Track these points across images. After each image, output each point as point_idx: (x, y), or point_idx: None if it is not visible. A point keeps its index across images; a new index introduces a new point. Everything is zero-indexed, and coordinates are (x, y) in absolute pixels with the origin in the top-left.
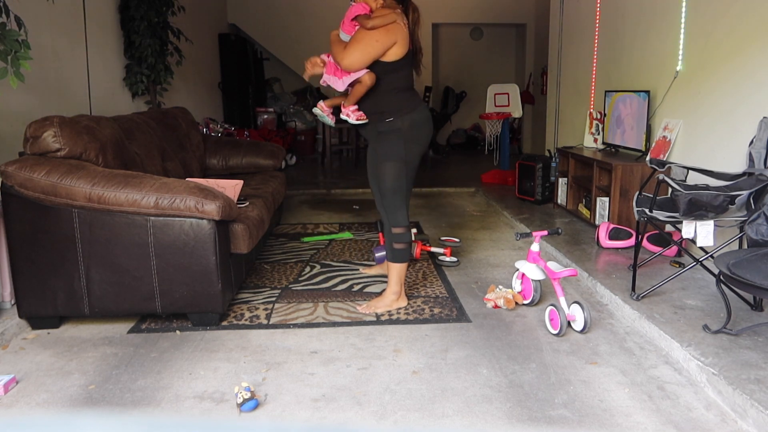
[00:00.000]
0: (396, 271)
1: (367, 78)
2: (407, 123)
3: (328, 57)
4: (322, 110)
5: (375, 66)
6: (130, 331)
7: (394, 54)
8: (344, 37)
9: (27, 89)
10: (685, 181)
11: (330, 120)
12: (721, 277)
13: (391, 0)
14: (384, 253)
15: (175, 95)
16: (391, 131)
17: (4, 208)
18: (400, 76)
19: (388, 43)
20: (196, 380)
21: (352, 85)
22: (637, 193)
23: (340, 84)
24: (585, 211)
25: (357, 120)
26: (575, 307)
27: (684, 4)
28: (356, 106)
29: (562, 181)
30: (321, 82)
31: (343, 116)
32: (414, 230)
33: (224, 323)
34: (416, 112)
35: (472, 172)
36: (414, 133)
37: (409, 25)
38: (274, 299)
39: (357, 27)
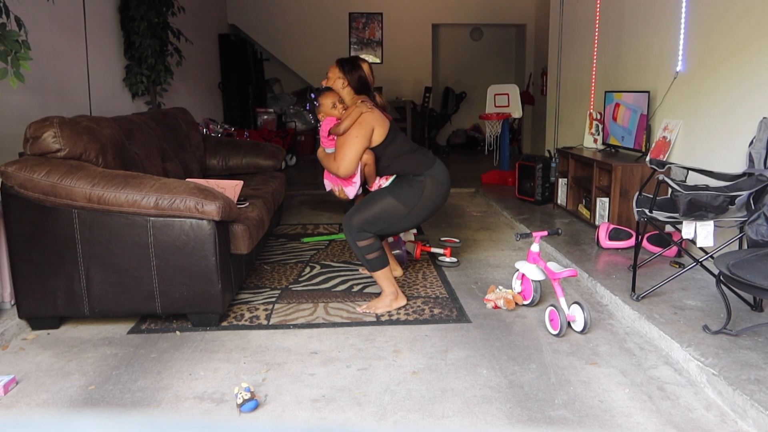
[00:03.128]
0: (380, 276)
1: (366, 158)
2: (429, 178)
3: (329, 175)
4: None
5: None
6: (130, 332)
7: (379, 136)
8: (330, 151)
9: (27, 90)
10: (685, 181)
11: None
12: (721, 277)
13: (350, 98)
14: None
15: (175, 96)
16: (415, 181)
17: (4, 208)
18: (398, 145)
19: (368, 132)
20: (196, 381)
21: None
22: (637, 193)
23: (353, 189)
24: (585, 212)
25: (388, 181)
26: (575, 307)
27: (684, 4)
28: (378, 178)
29: (562, 182)
30: (328, 190)
31: (376, 188)
32: (414, 231)
33: (224, 324)
34: (436, 168)
35: (472, 172)
36: (435, 192)
37: (378, 104)
38: (274, 300)
39: (334, 138)
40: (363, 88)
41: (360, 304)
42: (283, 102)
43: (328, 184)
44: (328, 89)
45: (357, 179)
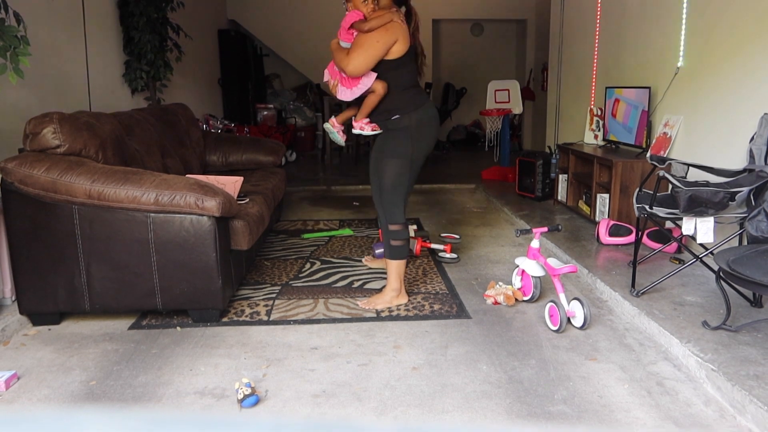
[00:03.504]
0: (394, 268)
1: (379, 87)
2: (415, 121)
3: (333, 68)
4: (333, 126)
5: (379, 65)
6: (131, 328)
7: (397, 51)
8: (344, 45)
9: (26, 85)
10: (685, 177)
11: (341, 138)
12: (721, 273)
13: (387, 2)
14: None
15: (175, 91)
16: (399, 129)
17: (4, 204)
18: (404, 73)
19: (389, 41)
20: (197, 376)
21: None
22: (638, 189)
23: (348, 94)
24: (585, 208)
25: (372, 131)
26: (575, 303)
27: (685, 0)
28: (368, 119)
29: (562, 178)
30: (324, 81)
31: (356, 130)
32: (414, 227)
33: (225, 319)
34: (423, 110)
35: (473, 168)
36: (422, 131)
37: (410, 28)
38: (274, 296)
39: (355, 33)
40: None
41: (361, 299)
42: (283, 98)
43: (327, 75)
44: None
45: (359, 87)
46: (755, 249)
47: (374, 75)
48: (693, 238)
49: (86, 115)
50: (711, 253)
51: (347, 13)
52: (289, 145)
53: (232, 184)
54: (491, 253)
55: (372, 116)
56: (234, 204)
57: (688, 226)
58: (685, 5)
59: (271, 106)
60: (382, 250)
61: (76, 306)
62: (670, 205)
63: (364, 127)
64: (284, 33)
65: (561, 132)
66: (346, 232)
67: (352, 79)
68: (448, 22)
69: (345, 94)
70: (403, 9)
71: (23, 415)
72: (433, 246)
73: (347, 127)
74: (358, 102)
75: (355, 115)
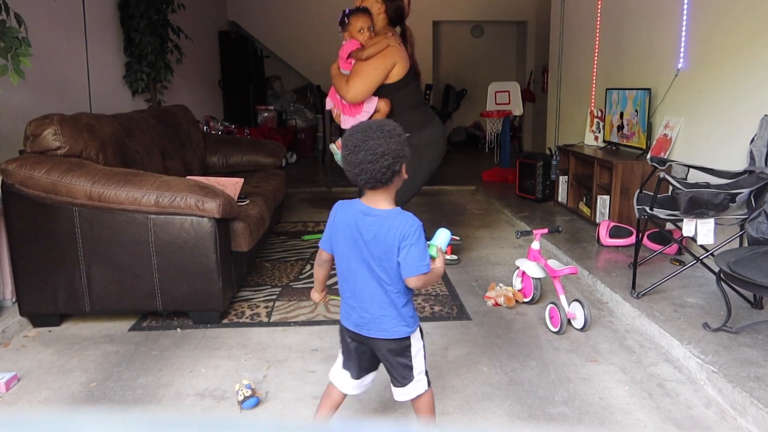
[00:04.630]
0: None
1: (383, 106)
2: (424, 140)
3: (335, 95)
4: (338, 148)
5: (381, 89)
6: (131, 329)
7: (397, 74)
8: (345, 72)
9: (27, 87)
10: (685, 179)
11: None
12: (722, 275)
13: (382, 26)
14: None
15: (176, 93)
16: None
17: (4, 206)
18: (408, 93)
19: (388, 66)
20: (197, 378)
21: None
22: (638, 191)
23: (352, 122)
24: (585, 209)
25: None
26: (575, 305)
27: (686, 1)
28: None
29: (562, 179)
30: (327, 108)
31: None
32: None
33: (225, 321)
34: (431, 128)
35: (473, 170)
36: (430, 150)
37: (407, 48)
38: (274, 297)
39: (353, 61)
40: (398, 19)
41: None
42: (283, 99)
43: (330, 103)
44: (363, 11)
45: (361, 115)
46: (756, 250)
47: (375, 99)
48: (693, 239)
49: (87, 117)
50: (711, 254)
51: (344, 42)
52: (290, 146)
53: (232, 185)
54: (491, 255)
55: None
56: (234, 205)
57: (688, 227)
58: (685, 7)
59: (272, 107)
60: None
61: (77, 308)
62: (671, 207)
63: None
64: (285, 35)
65: (561, 133)
66: None
67: (354, 106)
68: (449, 23)
69: (349, 122)
70: (399, 29)
71: (23, 417)
72: None
73: None
74: None
75: None
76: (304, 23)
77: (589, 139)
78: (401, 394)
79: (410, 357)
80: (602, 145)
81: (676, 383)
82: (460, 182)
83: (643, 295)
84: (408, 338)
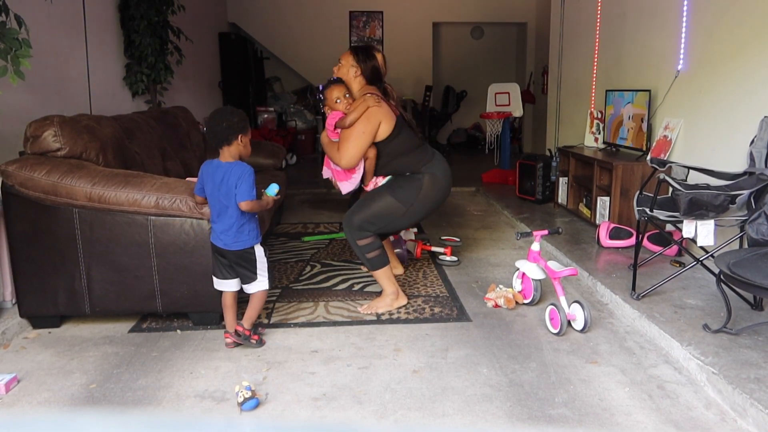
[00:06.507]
0: (381, 275)
1: (370, 152)
2: (429, 179)
3: (329, 164)
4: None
5: (375, 145)
6: (131, 331)
7: (384, 132)
8: (335, 140)
9: (27, 88)
10: (685, 180)
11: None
12: (722, 276)
13: (360, 88)
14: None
15: (176, 94)
16: (413, 179)
17: (4, 207)
18: (402, 141)
19: (374, 127)
20: (197, 379)
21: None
22: (638, 192)
23: (348, 186)
24: (585, 211)
25: (384, 180)
26: (575, 306)
27: (685, 3)
28: (375, 177)
29: (562, 181)
30: (325, 178)
31: (371, 187)
32: (414, 230)
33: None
34: (436, 162)
35: (473, 171)
36: (434, 189)
37: (389, 103)
38: (274, 298)
39: (340, 131)
40: (375, 78)
41: (361, 303)
42: (283, 101)
43: (327, 172)
44: (334, 82)
45: (356, 177)
46: (756, 252)
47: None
48: (693, 241)
49: (87, 118)
50: (711, 256)
51: (328, 115)
52: (290, 148)
53: None
54: (491, 256)
55: (385, 174)
56: None
57: (688, 229)
58: (685, 8)
59: (272, 109)
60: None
61: (77, 309)
62: (671, 208)
63: (378, 182)
64: (285, 36)
65: (561, 135)
66: None
67: (347, 171)
68: (449, 25)
69: (346, 186)
70: (380, 85)
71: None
72: (434, 249)
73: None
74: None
75: (363, 185)
76: (304, 25)
77: (589, 141)
78: (248, 288)
79: (254, 263)
80: (602, 146)
81: (676, 385)
82: (460, 183)
83: (643, 296)
84: (252, 248)
